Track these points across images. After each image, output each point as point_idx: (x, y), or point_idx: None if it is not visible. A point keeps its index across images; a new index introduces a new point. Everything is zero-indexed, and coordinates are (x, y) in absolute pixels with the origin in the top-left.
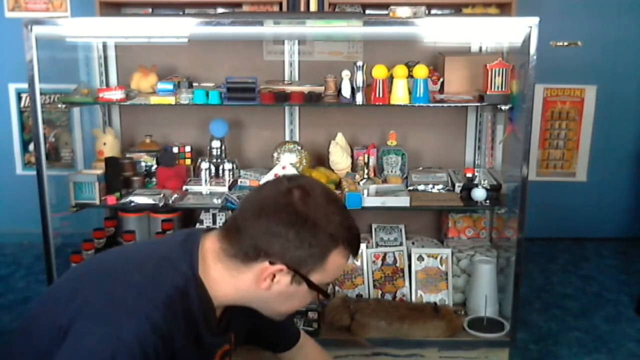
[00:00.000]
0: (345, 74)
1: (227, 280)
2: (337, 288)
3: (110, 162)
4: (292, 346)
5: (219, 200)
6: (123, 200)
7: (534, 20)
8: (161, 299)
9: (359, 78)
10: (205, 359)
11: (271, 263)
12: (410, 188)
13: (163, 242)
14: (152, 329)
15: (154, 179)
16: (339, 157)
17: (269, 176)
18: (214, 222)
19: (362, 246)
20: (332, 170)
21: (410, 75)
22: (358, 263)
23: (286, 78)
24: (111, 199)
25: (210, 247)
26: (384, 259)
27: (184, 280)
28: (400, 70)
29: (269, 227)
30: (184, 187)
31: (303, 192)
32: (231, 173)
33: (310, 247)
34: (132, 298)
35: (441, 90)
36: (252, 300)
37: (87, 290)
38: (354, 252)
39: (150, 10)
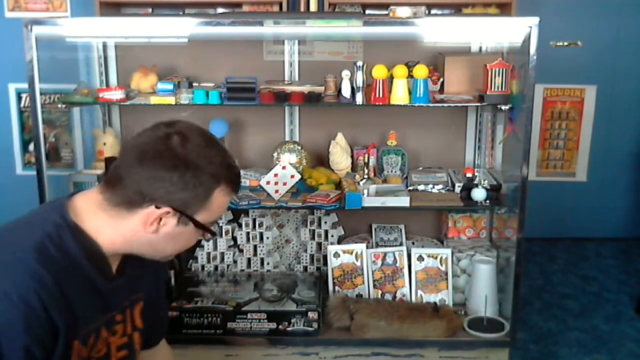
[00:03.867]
0: (345, 74)
1: (112, 227)
2: (337, 288)
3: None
4: (153, 346)
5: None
6: None
7: (534, 20)
8: (31, 245)
9: (359, 78)
10: (110, 307)
11: (157, 207)
12: (410, 188)
13: (35, 208)
14: (27, 274)
15: None
16: (339, 157)
17: (269, 176)
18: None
19: (362, 246)
20: (332, 170)
21: (410, 75)
22: (358, 263)
23: (286, 78)
24: None
25: (91, 199)
26: (384, 259)
27: (55, 227)
28: (400, 70)
29: (151, 172)
30: None
31: (181, 136)
32: None
33: (194, 188)
34: (1, 252)
35: (441, 90)
36: (139, 245)
37: None
38: (235, 189)
39: (150, 10)
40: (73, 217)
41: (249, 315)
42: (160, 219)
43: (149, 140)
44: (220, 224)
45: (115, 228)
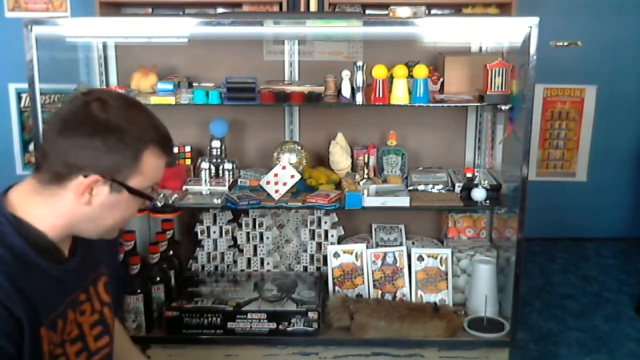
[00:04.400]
0: (345, 74)
1: (50, 210)
2: (337, 288)
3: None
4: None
5: (219, 200)
6: None
7: (534, 20)
8: None
9: (359, 78)
10: (69, 289)
11: (85, 176)
12: (410, 188)
13: None
14: None
15: None
16: (339, 157)
17: (269, 176)
18: (215, 222)
19: (362, 246)
20: (332, 170)
21: (410, 75)
22: (358, 263)
23: (286, 78)
24: None
25: (25, 188)
26: (384, 259)
27: None
28: (400, 70)
29: (73, 141)
30: (184, 187)
31: (101, 102)
32: (231, 173)
33: (120, 152)
34: None
35: (441, 90)
36: (80, 223)
37: None
38: (166, 150)
39: (150, 10)
40: (10, 210)
41: (249, 315)
42: (92, 189)
43: (67, 110)
44: (220, 224)
45: (53, 209)
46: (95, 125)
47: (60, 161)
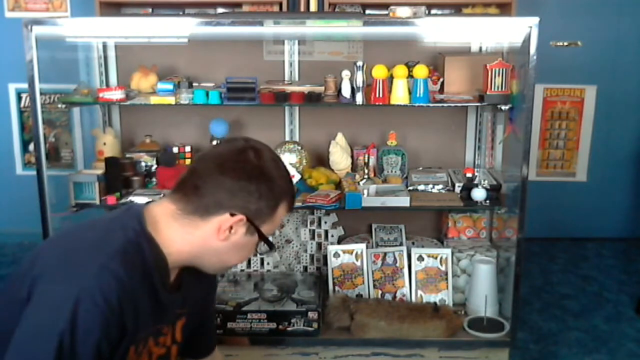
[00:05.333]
0: (345, 74)
1: (182, 237)
2: (337, 288)
3: (110, 162)
4: (206, 356)
5: None
6: (123, 200)
7: (534, 20)
8: (115, 248)
9: (359, 78)
10: (163, 319)
11: (232, 215)
12: (410, 188)
13: (109, 213)
14: (111, 276)
15: (154, 179)
16: (339, 157)
17: None
18: None
19: (362, 246)
20: (332, 170)
21: (410, 75)
22: (358, 263)
23: (286, 78)
24: (111, 199)
25: (163, 211)
26: (384, 259)
27: (135, 234)
28: (400, 70)
29: (231, 181)
30: None
31: (255, 150)
32: None
33: (267, 200)
34: (86, 253)
35: (441, 90)
36: (205, 255)
37: (42, 259)
38: (293, 205)
39: (150, 10)
40: (149, 226)
41: (249, 315)
42: (232, 227)
43: (226, 151)
44: None
45: (186, 237)
46: (253, 171)
47: (214, 197)
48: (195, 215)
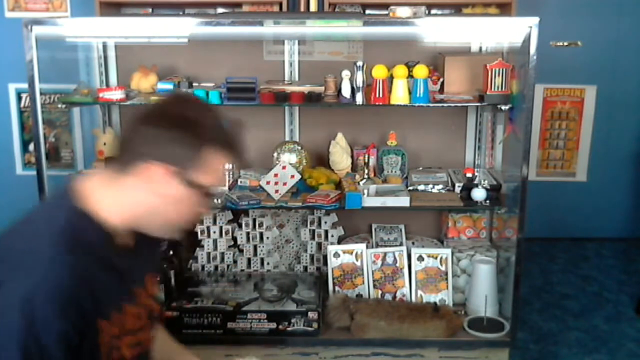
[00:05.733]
0: (345, 74)
1: (119, 201)
2: (337, 288)
3: (110, 162)
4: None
5: (219, 200)
6: None
7: (534, 20)
8: (56, 237)
9: (359, 78)
10: (128, 283)
11: (155, 164)
12: (410, 188)
13: (41, 203)
14: (58, 265)
15: None
16: (339, 157)
17: (269, 176)
18: (215, 222)
19: (362, 246)
20: (332, 170)
21: (410, 75)
22: (358, 263)
23: (286, 78)
24: None
25: (97, 182)
26: (384, 259)
27: (70, 215)
28: (400, 70)
29: (150, 131)
30: None
31: (178, 98)
32: (231, 173)
33: (191, 146)
34: (29, 249)
35: (441, 90)
36: (145, 217)
37: None
38: (231, 152)
39: (150, 10)
40: (81, 201)
41: (249, 315)
42: (160, 178)
43: (151, 104)
44: (220, 224)
45: (122, 201)
46: (170, 119)
47: (134, 150)
48: (125, 173)
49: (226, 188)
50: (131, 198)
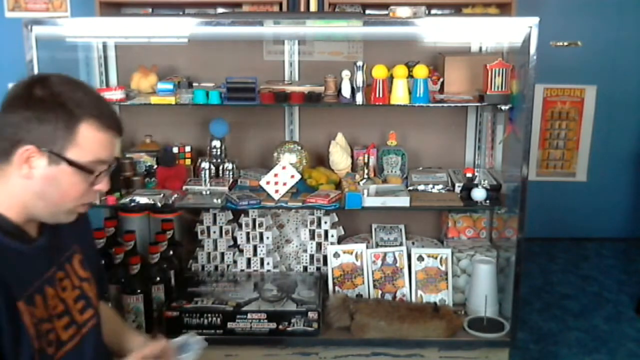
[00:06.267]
0: (345, 74)
1: (6, 191)
2: (337, 288)
3: None
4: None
5: (219, 200)
6: (123, 200)
7: (534, 20)
8: None
9: (359, 78)
10: (43, 266)
11: (27, 148)
12: (410, 188)
13: None
14: None
15: (154, 179)
16: (339, 157)
17: (269, 176)
18: (215, 222)
19: (362, 246)
20: (332, 170)
21: (410, 75)
22: (358, 263)
23: (286, 78)
24: (111, 199)
25: None
26: (384, 259)
27: None
28: (400, 70)
29: (11, 115)
30: (184, 187)
31: (42, 80)
32: (231, 173)
33: (52, 123)
34: None
35: (441, 90)
36: (31, 202)
37: None
38: (105, 122)
39: (150, 10)
40: None
41: (249, 315)
42: (31, 161)
43: (11, 91)
44: (220, 224)
45: (5, 190)
46: (31, 100)
47: (7, 137)
48: (6, 163)
49: (226, 188)
50: (14, 187)
